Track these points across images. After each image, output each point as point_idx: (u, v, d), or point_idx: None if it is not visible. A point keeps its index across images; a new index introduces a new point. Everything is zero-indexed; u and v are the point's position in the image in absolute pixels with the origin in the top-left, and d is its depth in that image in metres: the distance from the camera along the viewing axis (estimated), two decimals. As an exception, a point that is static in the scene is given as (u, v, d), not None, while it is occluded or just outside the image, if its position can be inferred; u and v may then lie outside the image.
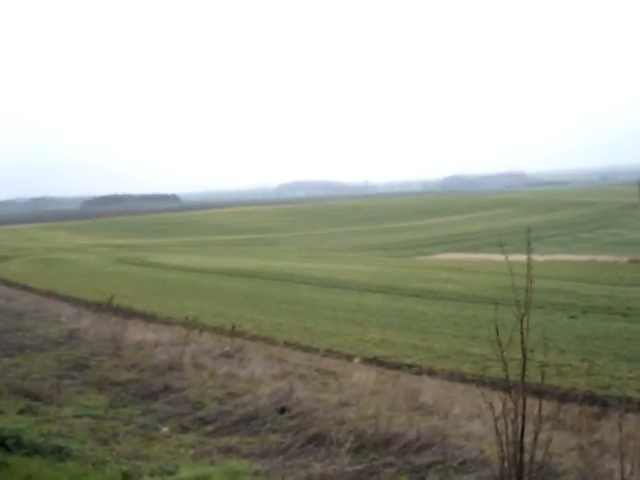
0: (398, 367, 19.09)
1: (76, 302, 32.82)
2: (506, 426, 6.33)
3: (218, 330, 22.67)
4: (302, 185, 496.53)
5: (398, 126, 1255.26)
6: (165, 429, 10.01)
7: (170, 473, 7.58)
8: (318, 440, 9.14)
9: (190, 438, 9.60)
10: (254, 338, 21.85)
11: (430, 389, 13.09)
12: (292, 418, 10.16)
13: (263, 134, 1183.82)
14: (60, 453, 7.60)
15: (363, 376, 14.71)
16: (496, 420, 6.45)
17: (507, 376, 6.39)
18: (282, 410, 10.49)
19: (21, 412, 10.27)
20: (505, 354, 6.34)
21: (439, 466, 8.09)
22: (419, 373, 17.48)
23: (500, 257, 48.29)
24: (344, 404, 11.20)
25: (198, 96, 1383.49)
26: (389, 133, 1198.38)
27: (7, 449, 7.32)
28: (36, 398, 11.30)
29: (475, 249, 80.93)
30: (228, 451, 8.96)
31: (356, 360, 17.56)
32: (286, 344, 21.08)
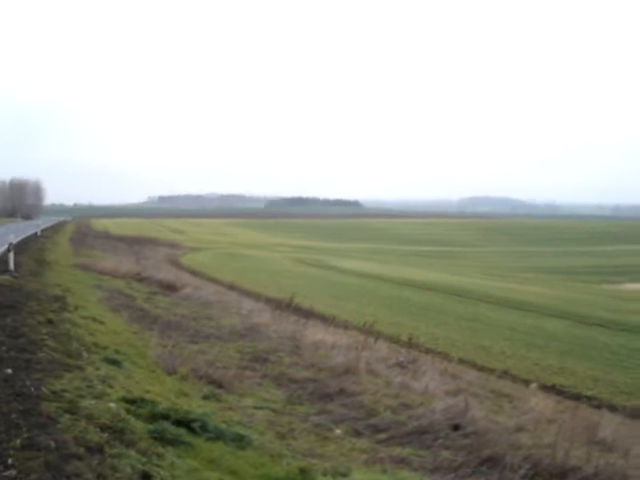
0: (577, 398, 18.32)
1: (257, 297, 33.95)
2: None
3: (394, 339, 22.79)
4: (484, 200, 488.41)
5: (589, 146, 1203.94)
6: (338, 431, 10.15)
7: (343, 475, 7.69)
8: (492, 462, 8.94)
9: (363, 443, 9.69)
10: (429, 351, 21.68)
11: (610, 424, 12.51)
12: (466, 436, 9.99)
13: (447, 146, 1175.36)
14: (241, 441, 7.87)
15: (540, 403, 14.26)
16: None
17: None
18: (456, 427, 10.34)
19: (205, 397, 10.76)
20: None
21: (618, 507, 7.75)
22: (599, 406, 16.72)
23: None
24: (520, 429, 10.91)
25: (381, 105, 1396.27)
26: (579, 151, 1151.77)
27: (193, 431, 7.68)
28: (219, 386, 11.81)
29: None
30: (400, 462, 8.95)
31: (533, 386, 17.01)
32: (461, 361, 20.78)
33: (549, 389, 18.63)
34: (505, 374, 20.12)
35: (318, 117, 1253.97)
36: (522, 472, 8.47)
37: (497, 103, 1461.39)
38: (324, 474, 7.55)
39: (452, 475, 8.54)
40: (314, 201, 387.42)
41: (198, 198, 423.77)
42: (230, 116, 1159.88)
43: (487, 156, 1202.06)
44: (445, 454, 9.33)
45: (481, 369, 20.77)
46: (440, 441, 9.86)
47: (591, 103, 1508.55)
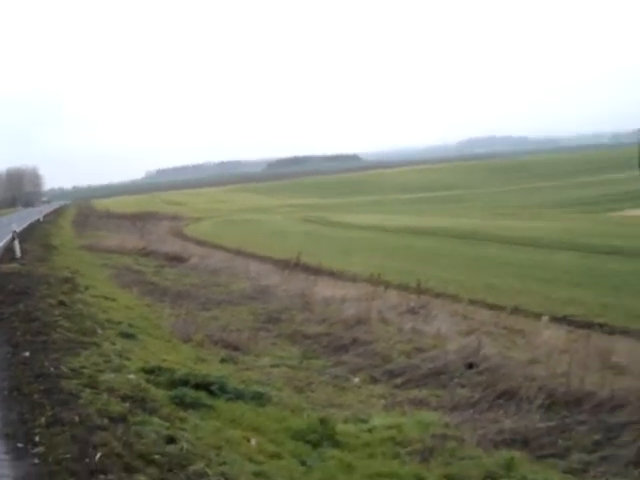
0: (589, 326, 18.34)
1: (264, 260, 33.99)
2: None
3: (402, 287, 22.83)
4: (483, 141, 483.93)
5: (586, 76, 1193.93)
6: (356, 380, 10.35)
7: (363, 421, 7.88)
8: (508, 396, 9.13)
9: (380, 389, 9.89)
10: (438, 295, 21.71)
11: (623, 349, 12.61)
12: (480, 374, 10.17)
13: (439, 90, 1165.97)
14: (260, 399, 8.07)
15: (552, 335, 14.36)
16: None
17: None
18: (470, 365, 10.52)
19: (222, 361, 10.98)
20: None
21: (635, 426, 7.86)
22: (611, 333, 16.79)
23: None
24: (533, 362, 11.05)
25: (374, 57, 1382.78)
26: (576, 82, 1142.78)
27: (213, 394, 7.85)
28: (235, 348, 12.03)
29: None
30: (418, 403, 9.15)
31: (544, 318, 17.07)
32: (471, 302, 20.81)
33: (560, 320, 18.67)
34: (516, 310, 20.10)
35: (306, 73, 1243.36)
36: (538, 402, 8.63)
37: (488, 39, 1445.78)
38: (345, 422, 7.72)
39: (470, 411, 8.73)
40: (312, 159, 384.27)
41: (196, 168, 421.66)
42: (220, 82, 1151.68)
43: (484, 96, 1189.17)
44: (462, 392, 9.52)
45: (492, 308, 20.76)
46: (456, 380, 10.05)
47: (584, 37, 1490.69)
